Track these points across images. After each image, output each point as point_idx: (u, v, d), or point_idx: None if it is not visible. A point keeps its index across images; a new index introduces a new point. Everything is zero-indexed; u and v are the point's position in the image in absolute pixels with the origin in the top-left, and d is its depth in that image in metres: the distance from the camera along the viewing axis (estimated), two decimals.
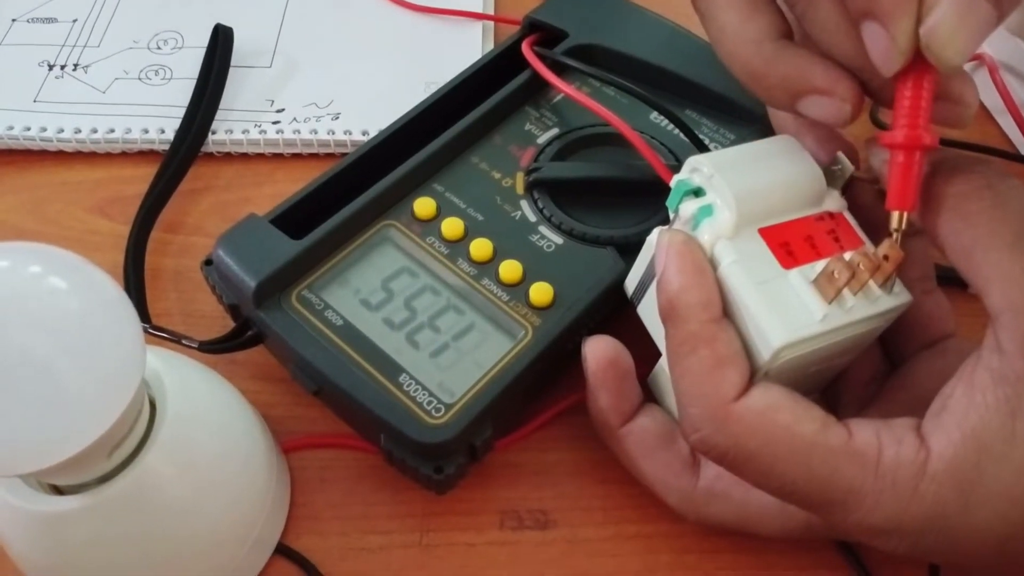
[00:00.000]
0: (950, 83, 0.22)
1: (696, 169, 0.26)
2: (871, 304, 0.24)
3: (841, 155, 0.26)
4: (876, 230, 0.26)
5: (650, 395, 0.29)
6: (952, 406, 0.22)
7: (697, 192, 0.26)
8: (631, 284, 0.29)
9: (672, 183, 0.26)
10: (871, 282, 0.24)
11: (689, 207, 0.25)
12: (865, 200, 0.26)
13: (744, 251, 0.24)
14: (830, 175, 0.26)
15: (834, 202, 0.26)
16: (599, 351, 0.28)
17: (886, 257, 0.23)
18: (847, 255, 0.24)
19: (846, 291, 0.24)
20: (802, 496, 0.23)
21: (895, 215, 0.23)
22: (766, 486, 0.24)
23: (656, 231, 0.26)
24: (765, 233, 0.25)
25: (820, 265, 0.24)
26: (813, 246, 0.25)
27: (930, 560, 0.27)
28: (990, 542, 0.22)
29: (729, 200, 0.25)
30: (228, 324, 0.32)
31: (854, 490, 0.22)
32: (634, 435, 0.28)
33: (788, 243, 0.25)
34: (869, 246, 0.25)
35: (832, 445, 0.22)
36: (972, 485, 0.21)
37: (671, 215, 0.26)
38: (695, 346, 0.24)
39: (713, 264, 0.25)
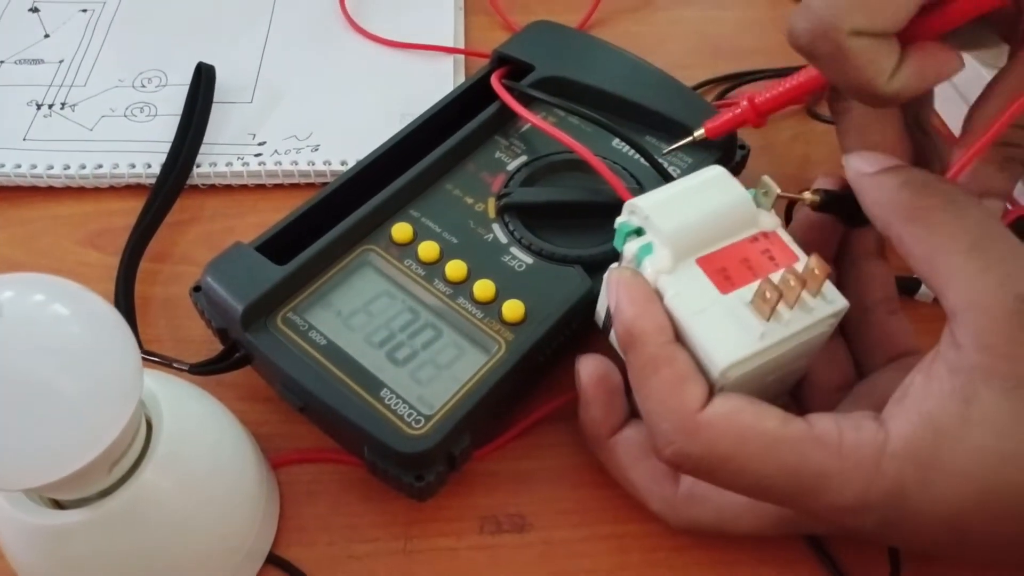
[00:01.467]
0: None
1: (633, 211, 0.28)
2: (807, 314, 0.26)
3: (766, 178, 0.28)
4: (813, 244, 0.28)
5: (636, 411, 0.31)
6: (912, 392, 0.24)
7: (639, 231, 0.28)
8: (600, 314, 0.30)
9: (616, 226, 0.28)
10: (804, 294, 0.26)
11: (631, 247, 0.27)
12: (799, 216, 0.28)
13: (684, 283, 0.26)
14: (758, 198, 0.28)
15: (767, 221, 0.28)
16: (591, 368, 0.30)
17: (815, 270, 0.25)
18: (776, 275, 0.26)
19: (782, 306, 0.25)
20: (777, 489, 0.24)
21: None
22: (741, 486, 0.25)
23: (610, 269, 0.28)
24: (703, 262, 0.27)
25: (757, 285, 0.26)
26: (750, 267, 0.27)
27: (893, 541, 0.28)
28: (947, 516, 0.23)
29: (664, 238, 0.27)
30: (216, 348, 0.33)
31: (823, 473, 0.24)
32: (621, 445, 0.30)
33: (725, 268, 0.27)
34: (803, 259, 0.27)
35: (795, 435, 0.24)
36: (930, 461, 0.23)
37: (619, 254, 0.28)
38: (657, 367, 0.26)
39: (658, 297, 0.27)
